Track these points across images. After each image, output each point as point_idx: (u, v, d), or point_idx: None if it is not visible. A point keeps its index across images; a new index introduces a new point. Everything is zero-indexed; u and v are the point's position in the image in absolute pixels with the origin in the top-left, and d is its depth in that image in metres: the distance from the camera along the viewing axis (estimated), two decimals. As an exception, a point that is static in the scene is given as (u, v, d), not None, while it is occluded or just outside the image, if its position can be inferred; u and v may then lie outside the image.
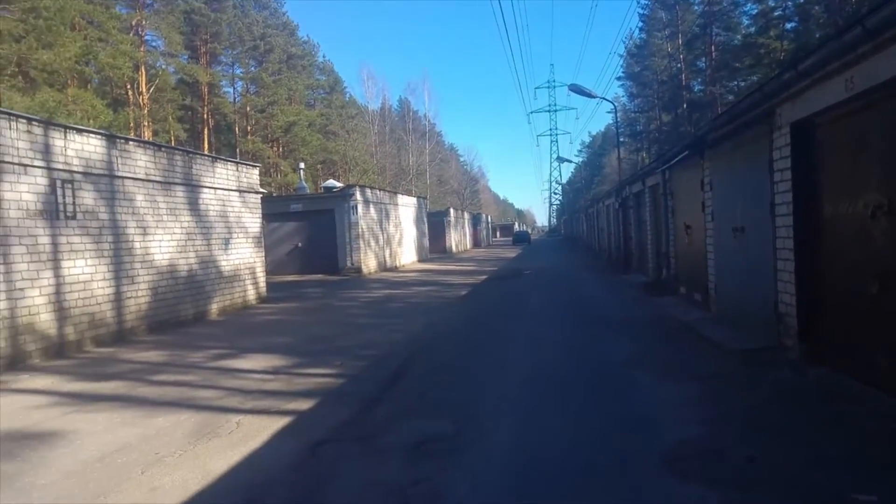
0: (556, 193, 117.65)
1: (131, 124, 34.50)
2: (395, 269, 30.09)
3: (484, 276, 22.88)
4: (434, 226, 44.61)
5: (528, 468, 4.72)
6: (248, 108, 49.02)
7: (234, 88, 51.00)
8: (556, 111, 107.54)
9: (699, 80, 47.80)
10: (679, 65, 48.67)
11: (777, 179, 7.44)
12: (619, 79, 63.31)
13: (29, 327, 8.66)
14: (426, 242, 40.03)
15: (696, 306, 12.02)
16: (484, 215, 77.74)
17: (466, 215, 62.28)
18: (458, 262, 35.61)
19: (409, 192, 47.31)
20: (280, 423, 5.93)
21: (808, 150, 6.89)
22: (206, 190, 13.51)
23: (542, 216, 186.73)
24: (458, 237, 53.17)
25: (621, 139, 58.84)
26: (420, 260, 36.59)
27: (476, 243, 65.87)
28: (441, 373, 7.93)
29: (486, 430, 5.65)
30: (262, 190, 17.10)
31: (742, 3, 40.80)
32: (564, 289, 17.63)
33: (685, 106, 46.64)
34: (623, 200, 23.25)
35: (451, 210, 52.23)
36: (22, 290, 8.56)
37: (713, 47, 43.29)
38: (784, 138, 7.23)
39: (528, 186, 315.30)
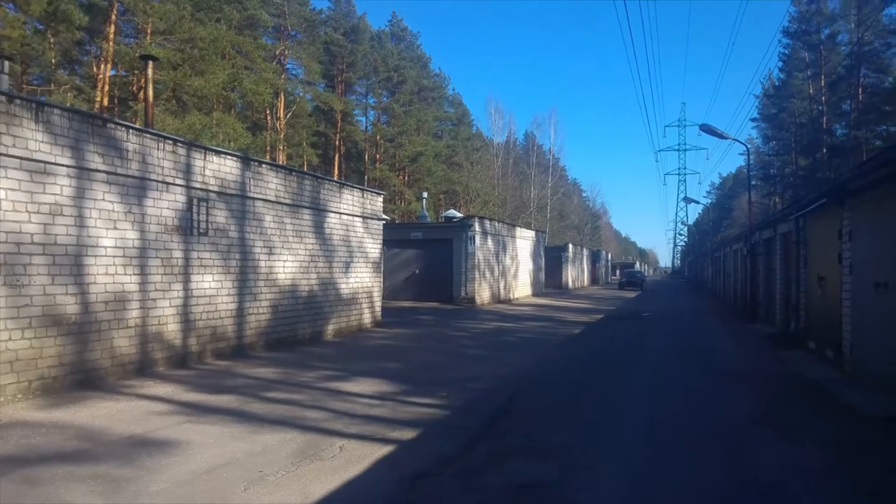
0: (681, 234, 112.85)
1: (267, 147, 36.72)
2: (508, 301, 29.77)
3: (600, 316, 22.06)
4: (551, 260, 43.93)
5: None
6: (378, 137, 50.91)
7: (366, 117, 53.23)
8: (685, 150, 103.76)
9: (842, 123, 44.41)
10: (820, 107, 45.54)
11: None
12: (753, 120, 60.16)
13: (157, 336, 9.15)
14: (542, 277, 39.44)
15: (827, 364, 10.87)
16: (604, 252, 75.83)
17: (585, 251, 60.99)
18: (574, 298, 34.70)
19: (528, 226, 47.02)
20: (382, 451, 5.80)
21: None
22: (331, 214, 13.93)
23: (665, 257, 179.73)
24: (576, 273, 52.05)
25: (754, 182, 55.67)
26: (535, 294, 36.03)
27: (594, 280, 64.23)
28: (549, 414, 7.54)
29: (593, 478, 5.25)
30: (384, 217, 17.46)
31: (895, 43, 37.62)
32: (685, 335, 16.59)
33: (825, 150, 43.43)
34: (752, 246, 21.78)
35: (570, 245, 51.33)
36: (154, 300, 9.07)
37: (861, 89, 40.10)
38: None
39: (653, 226, 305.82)
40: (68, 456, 5.29)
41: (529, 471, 5.33)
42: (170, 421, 6.56)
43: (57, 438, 5.73)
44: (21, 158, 7.14)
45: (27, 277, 7.17)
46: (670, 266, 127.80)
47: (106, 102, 26.25)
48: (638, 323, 19.94)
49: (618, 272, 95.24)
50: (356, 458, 5.53)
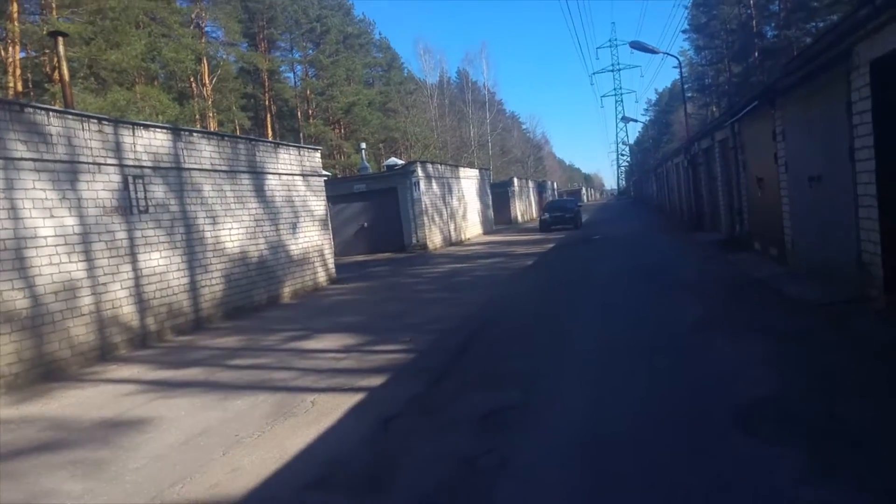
0: (623, 155, 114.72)
1: (197, 116, 35.58)
2: (460, 242, 30.12)
3: (551, 245, 22.61)
4: (498, 196, 44.30)
5: (598, 433, 4.66)
6: (308, 92, 49.72)
7: (294, 73, 51.80)
8: (619, 70, 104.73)
9: (772, 25, 45.13)
10: (749, 10, 46.10)
11: (856, 122, 6.98)
12: (684, 32, 60.63)
13: (113, 320, 9.11)
14: (491, 214, 39.85)
15: (772, 261, 11.53)
16: (549, 182, 76.60)
17: (531, 184, 61.54)
18: (525, 232, 35.27)
19: (471, 165, 47.10)
20: (353, 400, 6.04)
21: (889, 89, 6.42)
22: (270, 176, 13.80)
23: (610, 179, 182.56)
24: (524, 207, 52.67)
25: (690, 94, 56.53)
26: (485, 232, 36.48)
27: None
28: (508, 344, 7.89)
29: (554, 398, 5.61)
30: (325, 173, 17.34)
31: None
32: (634, 253, 17.20)
33: (757, 54, 44.24)
34: (692, 157, 22.43)
35: (515, 179, 51.72)
36: (104, 284, 8.99)
37: (787, -12, 40.70)
38: (863, 79, 6.75)
39: (595, 151, 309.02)
40: (43, 446, 5.38)
41: (493, 400, 5.65)
42: (139, 400, 6.66)
43: (29, 432, 5.78)
44: (-60, 156, 6.91)
45: (-31, 278, 7.05)
46: (616, 188, 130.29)
47: (20, 87, 24.90)
48: (587, 247, 20.54)
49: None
50: (328, 411, 5.76)
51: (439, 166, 30.30)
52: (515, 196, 48.75)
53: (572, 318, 9.14)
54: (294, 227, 14.55)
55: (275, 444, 5.02)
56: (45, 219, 8.15)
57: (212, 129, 29.47)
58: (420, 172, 26.13)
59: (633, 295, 10.44)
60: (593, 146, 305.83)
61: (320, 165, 16.44)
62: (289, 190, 14.52)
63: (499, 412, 5.33)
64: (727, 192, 16.63)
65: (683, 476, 3.83)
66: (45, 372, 7.80)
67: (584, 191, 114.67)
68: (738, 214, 15.02)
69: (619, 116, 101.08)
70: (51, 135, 8.38)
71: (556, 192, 74.09)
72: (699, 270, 12.51)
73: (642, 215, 39.99)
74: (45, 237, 8.11)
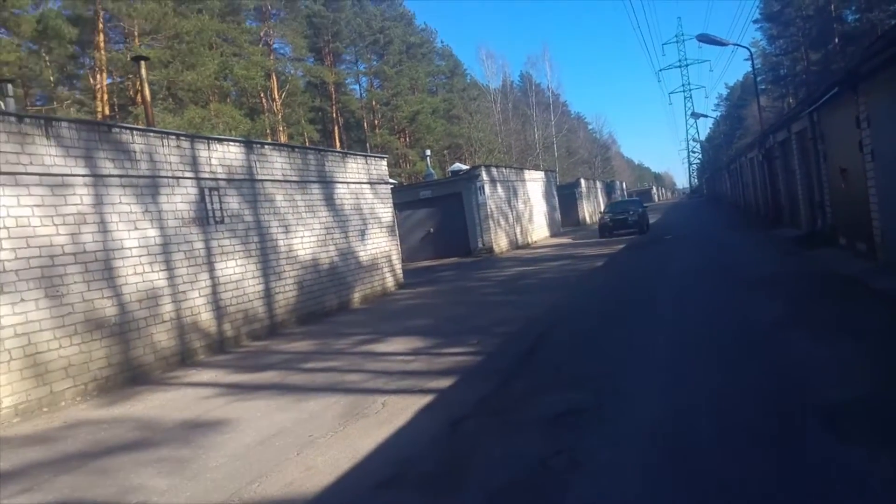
0: (695, 152, 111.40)
1: (268, 130, 36.75)
2: (527, 245, 29.94)
3: (621, 246, 22.17)
4: (565, 198, 43.83)
5: (673, 435, 4.52)
6: (373, 103, 50.56)
7: (359, 84, 52.71)
8: (687, 66, 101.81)
9: (852, 8, 42.88)
10: (828, -6, 44.00)
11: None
12: (755, 22, 58.40)
13: (193, 326, 9.51)
14: (557, 216, 39.44)
15: (859, 256, 10.94)
16: (618, 182, 75.27)
17: (599, 184, 60.59)
18: (593, 234, 34.74)
19: (536, 167, 46.81)
20: (422, 401, 6.09)
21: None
22: (339, 185, 14.12)
23: (681, 177, 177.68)
24: (592, 208, 51.88)
25: (763, 86, 54.35)
26: (552, 234, 36.13)
27: (611, 213, 63.86)
28: (578, 346, 7.79)
29: (627, 399, 5.49)
30: (391, 180, 17.60)
31: None
32: (708, 251, 16.66)
33: (837, 40, 42.10)
34: (767, 151, 21.59)
35: (582, 180, 51.03)
36: (184, 292, 9.40)
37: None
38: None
39: (665, 148, 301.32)
40: (132, 445, 5.66)
41: (564, 401, 5.57)
42: (218, 403, 6.92)
43: (119, 431, 6.10)
44: (40, 175, 7.40)
45: (65, 287, 7.50)
46: (688, 186, 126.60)
47: (107, 111, 26.45)
48: (659, 246, 20.05)
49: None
50: (398, 411, 5.83)
51: (504, 170, 30.24)
52: (583, 197, 48.10)
53: (644, 318, 8.93)
54: (363, 233, 14.82)
55: (347, 445, 5.12)
56: (130, 231, 8.60)
57: (282, 142, 30.40)
58: (485, 176, 26.16)
59: (708, 294, 10.11)
60: (663, 144, 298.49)
61: (387, 173, 16.71)
62: (357, 198, 14.81)
63: (570, 414, 5.26)
64: (806, 185, 15.92)
65: (765, 483, 3.68)
66: (131, 376, 8.21)
67: (654, 190, 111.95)
68: (820, 208, 14.35)
69: (689, 113, 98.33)
70: (134, 152, 8.85)
71: (625, 192, 72.64)
72: (779, 267, 12.01)
73: (716, 213, 38.70)
74: (130, 248, 8.55)
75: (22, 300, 6.97)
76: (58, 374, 7.26)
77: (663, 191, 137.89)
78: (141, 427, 6.20)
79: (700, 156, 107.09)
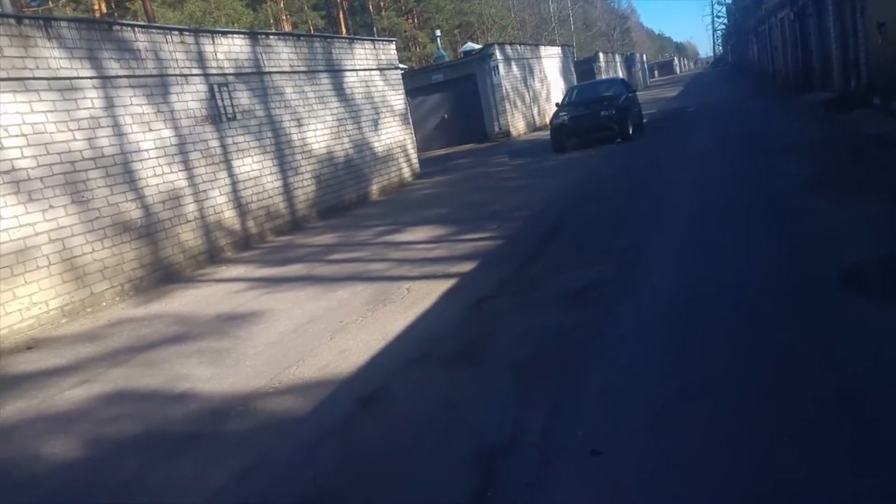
0: (719, 17, 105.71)
1: (271, 21, 35.50)
2: (545, 126, 29.37)
3: (643, 120, 21.67)
4: (583, 74, 42.39)
5: (696, 300, 4.67)
6: (378, -17, 48.25)
7: (363, -36, 50.09)
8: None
9: None
10: None
11: None
12: None
13: (217, 224, 9.69)
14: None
15: (894, 116, 10.60)
16: (638, 55, 72.35)
17: (618, 58, 58.29)
18: (611, 109, 33.90)
19: (552, 43, 45.01)
20: (445, 285, 6.28)
21: None
22: (348, 73, 13.80)
23: (705, 46, 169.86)
24: (610, 83, 50.15)
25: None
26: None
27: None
28: (599, 223, 7.86)
29: (649, 271, 5.62)
30: (401, 66, 17.14)
31: None
32: (732, 121, 16.23)
33: None
34: (800, 9, 20.41)
35: (601, 54, 49.12)
36: (205, 191, 9.51)
37: None
38: None
39: (688, 16, 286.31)
40: (173, 339, 5.96)
41: (585, 277, 5.71)
42: (249, 296, 7.18)
43: (159, 327, 6.41)
44: (48, 79, 7.34)
45: (89, 192, 7.64)
46: (712, 55, 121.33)
47: (104, 9, 25.59)
48: (682, 119, 19.60)
49: (656, 73, 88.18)
50: (423, 296, 6.03)
51: (518, 47, 29.14)
52: (602, 72, 46.49)
53: (666, 191, 8.92)
54: (376, 123, 14.64)
55: (376, 328, 5.35)
56: (145, 132, 8.60)
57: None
58: (498, 55, 25.28)
59: (732, 163, 9.97)
60: (685, 12, 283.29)
61: (396, 58, 16.24)
62: (367, 86, 14.51)
63: (591, 288, 5.40)
64: (841, 43, 15.15)
65: (785, 339, 3.82)
66: (163, 275, 8.50)
67: (675, 61, 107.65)
68: (854, 68, 13.74)
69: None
70: (139, 50, 8.69)
71: (645, 65, 69.93)
72: (807, 132, 11.71)
73: (741, 81, 37.33)
74: (147, 150, 8.59)
75: (51, 206, 7.13)
76: (95, 277, 7.55)
77: (685, 61, 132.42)
78: (179, 322, 6.50)
79: (725, 20, 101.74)
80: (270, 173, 11.02)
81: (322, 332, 5.51)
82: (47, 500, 3.48)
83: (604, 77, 42.73)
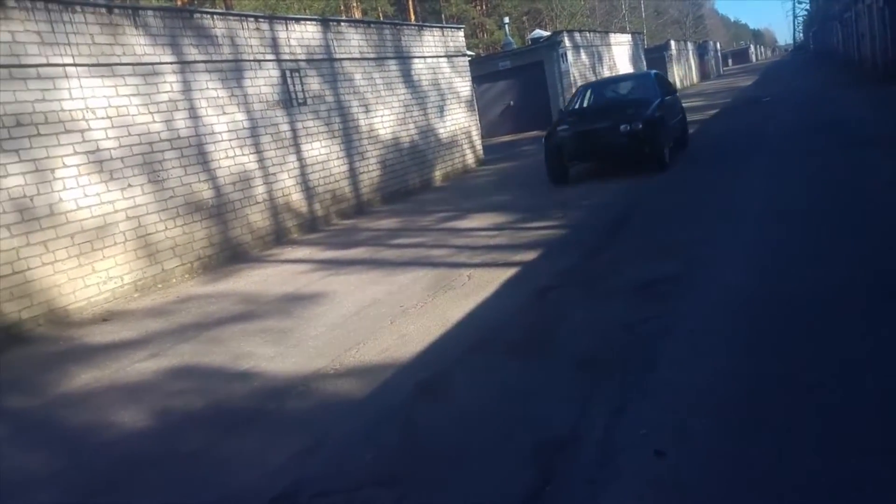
0: (801, 2, 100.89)
1: (342, 7, 35.91)
2: (613, 115, 28.73)
3: (714, 110, 20.94)
4: (654, 62, 41.17)
5: (766, 302, 4.46)
6: (448, -30, 48.08)
7: (433, -49, 50.03)
8: None
9: None
10: None
11: None
12: None
13: (285, 206, 9.89)
14: (646, 82, 37.33)
15: None
16: (711, 43, 69.90)
17: (690, 46, 56.45)
18: (684, 98, 32.85)
19: (622, 31, 43.91)
20: (507, 273, 6.21)
21: None
22: (416, 60, 13.82)
23: (784, 33, 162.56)
24: (683, 71, 48.72)
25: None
26: (640, 102, 34.37)
27: (704, 76, 59.98)
28: (667, 216, 7.63)
29: (719, 267, 5.40)
30: (469, 52, 17.04)
31: None
32: (811, 112, 15.45)
33: None
34: (891, -7, 19.20)
35: (672, 42, 47.63)
36: (274, 174, 9.71)
37: None
38: None
39: (765, 1, 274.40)
40: (238, 317, 6.12)
41: (651, 271, 5.54)
42: (313, 277, 7.30)
43: (225, 304, 6.59)
44: (133, 64, 7.65)
45: (165, 172, 7.92)
46: (792, 43, 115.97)
47: (185, -1, 26.47)
48: (757, 108, 18.81)
49: (730, 62, 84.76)
50: (484, 283, 5.98)
51: (587, 34, 28.54)
52: (673, 60, 45.14)
53: (736, 186, 8.57)
54: (441, 110, 14.63)
55: (437, 314, 5.34)
56: (219, 115, 8.83)
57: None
58: (567, 42, 24.83)
59: (806, 158, 9.48)
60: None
61: (464, 45, 16.16)
62: (434, 73, 14.49)
63: (658, 282, 5.23)
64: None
65: (863, 348, 3.61)
66: (231, 255, 8.74)
67: (751, 49, 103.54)
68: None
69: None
70: (216, 37, 8.92)
71: (719, 54, 67.50)
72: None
73: (823, 70, 35.50)
74: (220, 133, 8.82)
75: (129, 185, 7.43)
76: (166, 254, 7.83)
77: (762, 49, 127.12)
78: (245, 301, 6.66)
79: (808, 6, 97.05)
80: (337, 157, 11.16)
81: (383, 315, 5.53)
82: (119, 466, 3.62)
83: (674, 68, 41.31)
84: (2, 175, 6.13)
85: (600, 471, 2.90)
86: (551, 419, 3.41)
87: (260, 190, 9.42)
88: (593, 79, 26.39)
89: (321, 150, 10.76)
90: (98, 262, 6.97)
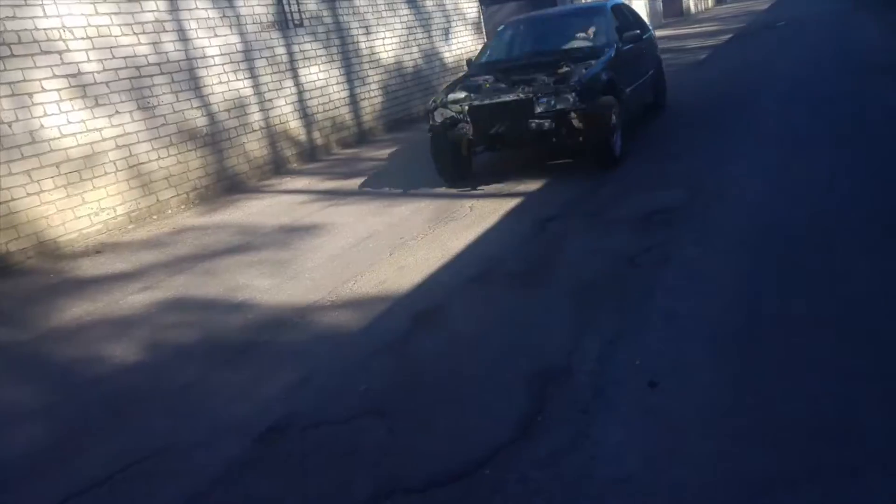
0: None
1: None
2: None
3: (728, 36, 20.10)
4: None
5: (768, 232, 4.33)
6: None
7: None
8: None
9: None
10: None
11: None
12: None
13: (283, 135, 9.58)
14: (659, 5, 35.98)
15: None
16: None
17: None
18: (698, 23, 31.65)
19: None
20: (510, 204, 6.04)
21: None
22: (418, -21, 13.16)
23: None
24: (697, -6, 46.83)
25: None
26: (652, 26, 33.23)
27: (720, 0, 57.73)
28: (673, 142, 7.38)
29: (725, 197, 5.23)
30: (474, -29, 16.23)
31: None
32: (829, 37, 14.75)
33: None
34: None
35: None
36: (270, 100, 9.35)
37: None
38: None
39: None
40: (234, 249, 5.97)
41: (655, 201, 5.39)
42: (312, 208, 7.10)
43: (222, 236, 6.43)
44: (110, -20, 7.19)
45: (155, 98, 7.59)
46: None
47: None
48: (771, 33, 18.04)
49: None
50: (487, 214, 5.80)
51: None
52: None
53: (744, 112, 8.24)
54: (447, 33, 14.04)
55: (437, 245, 5.18)
56: (211, 38, 8.42)
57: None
58: (579, -37, 23.69)
59: (820, 85, 9.04)
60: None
61: (469, -37, 15.39)
62: (438, -7, 13.84)
63: (661, 212, 5.09)
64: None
65: (857, 285, 3.45)
66: (228, 185, 8.51)
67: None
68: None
69: None
70: (203, -49, 8.41)
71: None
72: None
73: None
74: (213, 56, 8.44)
75: (117, 112, 7.13)
76: (161, 184, 7.61)
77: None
78: (241, 232, 6.49)
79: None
80: (337, 83, 10.76)
81: (381, 247, 5.38)
82: (110, 401, 3.54)
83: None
84: (-23, 99, 5.86)
85: (594, 400, 2.86)
86: (547, 350, 3.34)
87: (256, 117, 9.10)
88: None
89: (320, 75, 10.36)
90: (88, 192, 6.76)
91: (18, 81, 6.21)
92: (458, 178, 7.06)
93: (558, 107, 6.22)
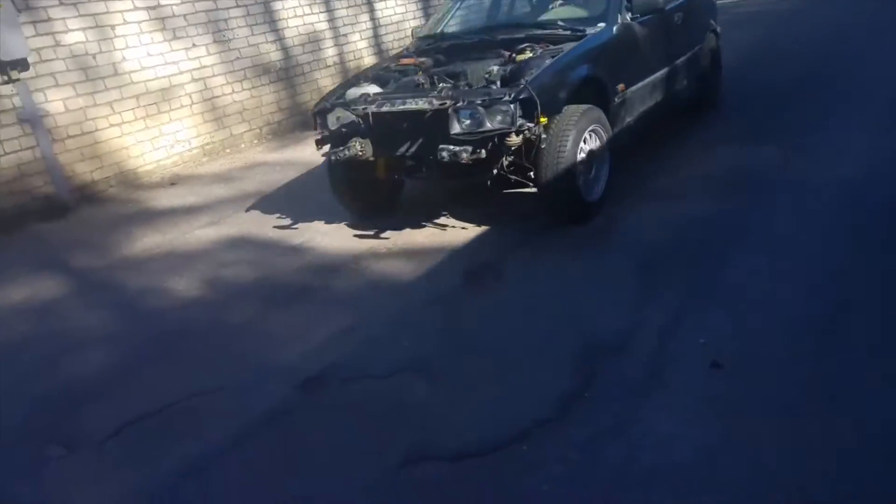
0: None
1: None
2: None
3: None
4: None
5: (859, 199, 3.99)
6: None
7: None
8: None
9: None
10: None
11: None
12: None
13: (357, 71, 9.41)
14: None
15: None
16: None
17: None
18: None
19: None
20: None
21: None
22: None
23: None
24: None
25: None
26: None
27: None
28: (758, 97, 6.86)
29: (816, 157, 4.86)
30: None
31: None
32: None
33: None
34: None
35: None
36: (345, 35, 9.21)
37: None
38: None
39: None
40: (299, 188, 6.02)
41: (737, 161, 5.06)
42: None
43: (289, 173, 6.46)
44: None
45: (230, 32, 7.60)
46: None
47: None
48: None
49: None
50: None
51: None
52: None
53: (826, 70, 7.55)
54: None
55: (501, 199, 5.01)
56: (287, -30, 8.31)
57: None
58: None
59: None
60: None
61: None
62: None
63: (742, 171, 4.77)
64: None
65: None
66: (300, 120, 8.52)
67: None
68: None
69: None
70: None
71: None
72: None
73: None
74: (289, -11, 8.34)
75: (194, 45, 7.19)
76: (234, 118, 7.70)
77: None
78: (308, 171, 6.49)
79: None
80: (414, 18, 10.47)
81: (449, 195, 5.26)
82: (169, 334, 3.67)
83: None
84: (63, 30, 5.99)
85: (647, 380, 2.69)
86: (602, 323, 3.18)
87: (330, 52, 9.01)
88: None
89: (396, 10, 10.11)
90: (165, 125, 6.91)
91: (101, 13, 6.31)
92: (372, 212, 4.86)
93: (487, 125, 3.77)
